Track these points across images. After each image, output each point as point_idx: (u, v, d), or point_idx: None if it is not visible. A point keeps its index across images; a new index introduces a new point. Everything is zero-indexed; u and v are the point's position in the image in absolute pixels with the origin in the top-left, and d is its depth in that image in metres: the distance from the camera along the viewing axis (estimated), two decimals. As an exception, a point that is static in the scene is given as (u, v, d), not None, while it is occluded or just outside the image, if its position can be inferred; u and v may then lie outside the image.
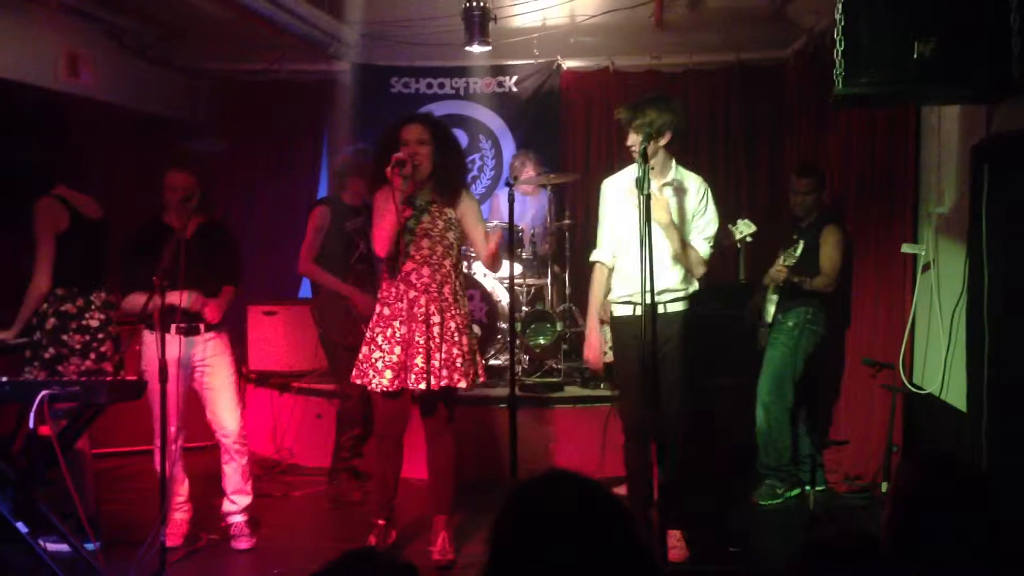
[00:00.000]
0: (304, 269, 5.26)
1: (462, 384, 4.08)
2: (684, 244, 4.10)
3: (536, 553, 1.48)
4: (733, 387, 5.36)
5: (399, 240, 4.05)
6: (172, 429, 4.12)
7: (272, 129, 7.41)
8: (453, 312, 4.09)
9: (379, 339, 4.08)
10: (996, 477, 3.38)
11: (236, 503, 4.45)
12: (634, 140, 4.02)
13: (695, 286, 4.24)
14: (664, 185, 4.14)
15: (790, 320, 5.04)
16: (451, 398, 4.21)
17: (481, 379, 4.26)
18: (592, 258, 4.35)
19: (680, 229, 4.10)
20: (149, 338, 4.26)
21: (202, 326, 4.35)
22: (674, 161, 4.20)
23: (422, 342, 4.02)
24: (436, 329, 4.04)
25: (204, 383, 4.41)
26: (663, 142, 4.05)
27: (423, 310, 4.04)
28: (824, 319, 5.06)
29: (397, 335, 4.05)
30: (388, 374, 4.03)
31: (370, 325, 4.18)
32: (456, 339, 4.08)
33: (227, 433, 4.42)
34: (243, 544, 4.40)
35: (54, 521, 3.71)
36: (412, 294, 4.06)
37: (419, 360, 4.01)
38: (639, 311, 3.94)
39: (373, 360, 4.07)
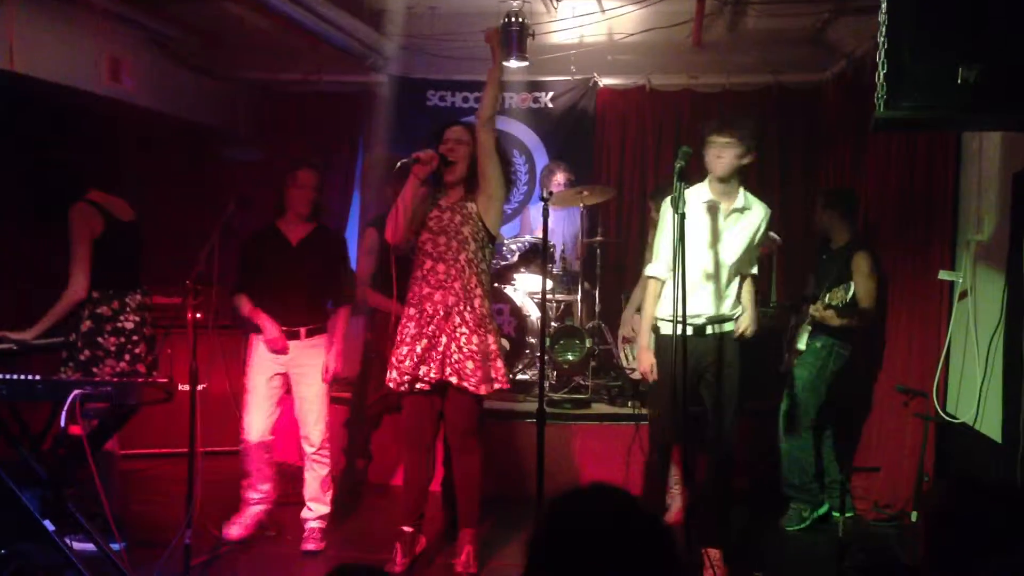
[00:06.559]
0: (359, 294, 5.23)
1: (465, 384, 4.05)
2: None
3: (572, 567, 1.47)
4: (758, 412, 5.29)
5: (414, 231, 4.13)
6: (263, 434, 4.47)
7: (309, 138, 7.43)
8: (461, 308, 4.08)
9: (406, 337, 4.14)
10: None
11: (313, 511, 4.53)
12: (726, 154, 4.06)
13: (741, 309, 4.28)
14: (734, 211, 4.17)
15: (818, 342, 5.00)
16: (478, 409, 4.20)
17: (499, 386, 4.20)
18: (647, 273, 4.33)
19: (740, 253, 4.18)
20: (255, 340, 4.46)
21: (302, 331, 4.44)
22: (741, 187, 4.21)
23: (434, 336, 4.07)
24: (446, 324, 4.07)
25: (296, 391, 4.49)
26: (747, 160, 4.10)
27: (436, 306, 4.08)
28: (851, 342, 5.02)
29: (413, 332, 4.11)
30: (407, 363, 4.09)
31: (400, 325, 4.22)
32: (463, 334, 4.06)
33: (311, 443, 4.49)
34: (310, 546, 4.46)
35: (81, 520, 3.74)
36: (427, 290, 4.12)
37: (433, 353, 4.06)
38: (689, 330, 3.99)
39: (398, 360, 4.13)
